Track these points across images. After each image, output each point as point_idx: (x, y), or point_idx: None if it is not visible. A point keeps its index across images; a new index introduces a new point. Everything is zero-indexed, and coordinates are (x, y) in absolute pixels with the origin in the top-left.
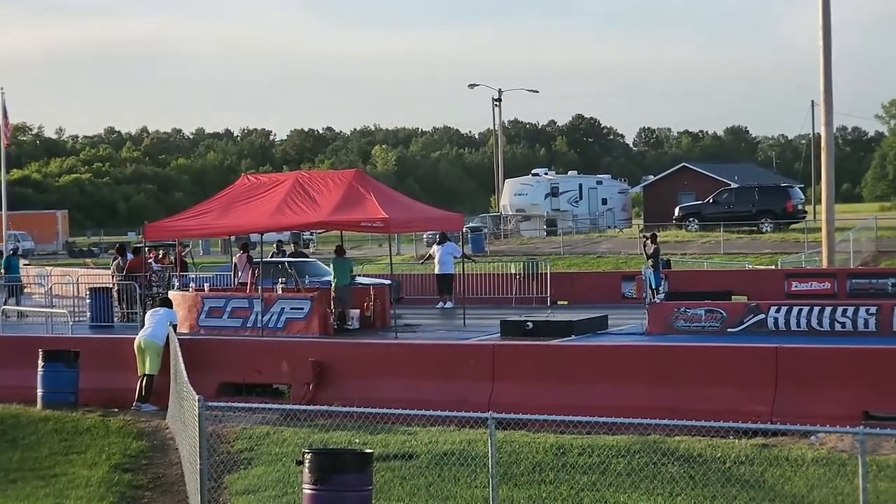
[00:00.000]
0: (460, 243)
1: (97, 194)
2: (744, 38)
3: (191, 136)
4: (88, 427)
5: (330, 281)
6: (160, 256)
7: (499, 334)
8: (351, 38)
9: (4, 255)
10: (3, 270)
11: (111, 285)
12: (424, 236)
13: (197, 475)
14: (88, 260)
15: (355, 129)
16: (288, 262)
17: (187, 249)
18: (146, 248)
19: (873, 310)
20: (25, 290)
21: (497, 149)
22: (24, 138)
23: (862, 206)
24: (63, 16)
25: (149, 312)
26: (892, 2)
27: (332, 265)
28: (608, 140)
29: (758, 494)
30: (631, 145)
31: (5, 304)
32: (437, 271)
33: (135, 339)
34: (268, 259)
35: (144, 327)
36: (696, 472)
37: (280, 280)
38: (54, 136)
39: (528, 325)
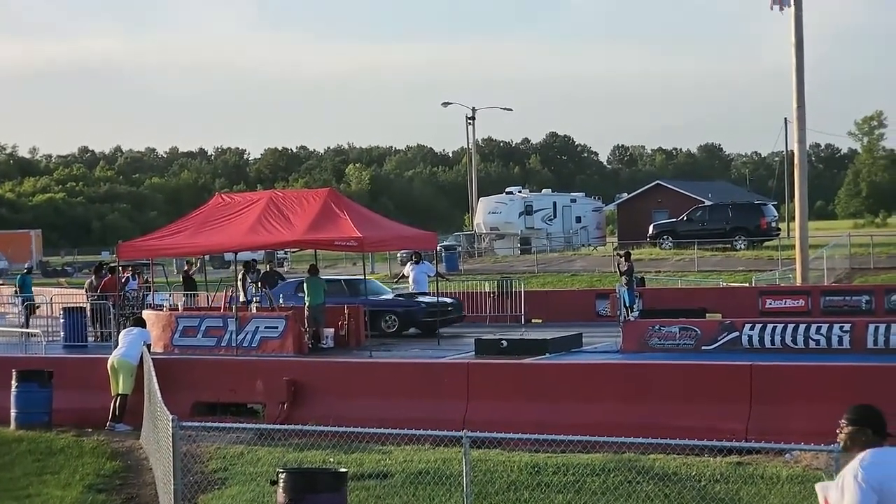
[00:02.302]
0: (434, 262)
1: (71, 213)
2: (717, 55)
3: (165, 155)
4: (62, 447)
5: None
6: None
7: (473, 353)
8: (324, 57)
9: (20, 274)
10: (18, 289)
11: (85, 305)
12: (399, 255)
13: (171, 495)
14: (62, 279)
15: (329, 148)
16: (345, 280)
17: (195, 268)
18: (120, 268)
19: (847, 327)
20: None
21: (471, 167)
22: None
23: (836, 223)
24: (34, 35)
25: (123, 332)
26: (865, 19)
27: (305, 284)
28: (582, 158)
29: None
30: (605, 163)
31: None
32: (411, 290)
33: (108, 358)
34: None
35: (118, 347)
36: (671, 491)
37: (255, 300)
38: (28, 156)
39: (502, 344)
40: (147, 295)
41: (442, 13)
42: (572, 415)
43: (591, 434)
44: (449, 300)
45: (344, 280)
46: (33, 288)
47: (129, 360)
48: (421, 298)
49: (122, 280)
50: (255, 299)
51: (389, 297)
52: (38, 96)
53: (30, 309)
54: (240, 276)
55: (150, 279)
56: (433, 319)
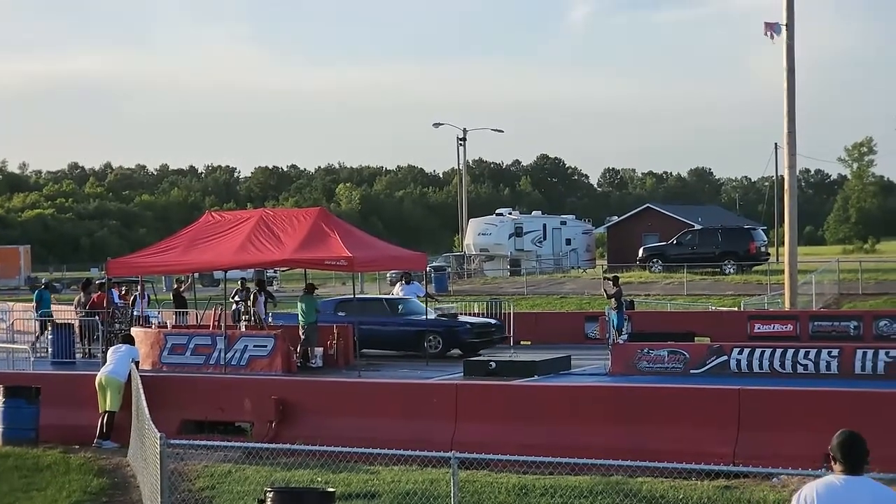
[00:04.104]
0: (424, 282)
1: (60, 229)
2: (708, 80)
3: (155, 173)
4: (49, 464)
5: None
6: (122, 293)
7: (462, 374)
8: (315, 76)
9: (37, 289)
10: (36, 304)
11: (73, 321)
12: (388, 275)
13: None
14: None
15: (319, 167)
16: (386, 299)
17: (185, 285)
18: (109, 284)
19: (835, 352)
20: None
21: (461, 188)
22: None
23: (824, 249)
24: (25, 52)
25: (111, 349)
26: (855, 47)
27: (299, 303)
28: (572, 180)
29: None
30: (595, 186)
31: (37, 339)
32: None
33: (96, 375)
34: (361, 296)
35: (106, 364)
36: None
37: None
38: (17, 171)
39: (491, 365)
40: (136, 312)
41: (434, 34)
42: (560, 437)
43: (580, 456)
44: (492, 321)
45: (385, 299)
46: (1, 306)
47: (117, 377)
48: (465, 318)
49: (131, 298)
50: (243, 318)
51: (432, 317)
52: (28, 112)
53: (44, 325)
54: (251, 295)
55: (135, 296)
56: (478, 340)
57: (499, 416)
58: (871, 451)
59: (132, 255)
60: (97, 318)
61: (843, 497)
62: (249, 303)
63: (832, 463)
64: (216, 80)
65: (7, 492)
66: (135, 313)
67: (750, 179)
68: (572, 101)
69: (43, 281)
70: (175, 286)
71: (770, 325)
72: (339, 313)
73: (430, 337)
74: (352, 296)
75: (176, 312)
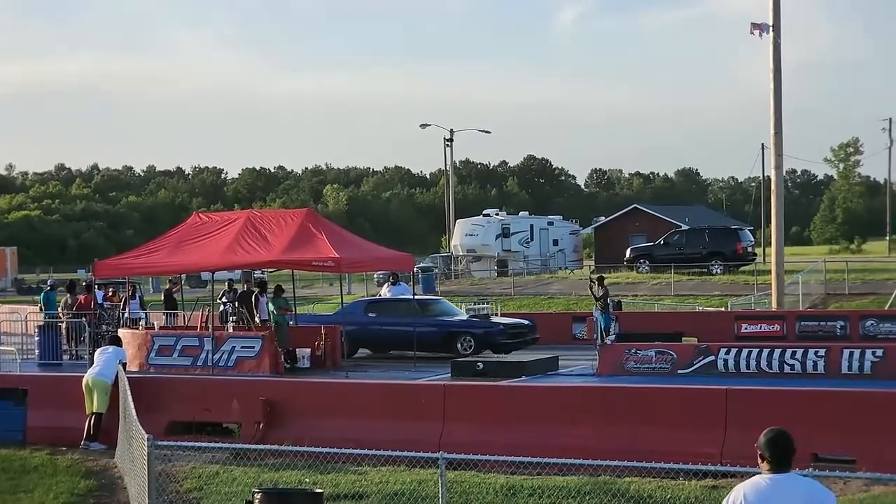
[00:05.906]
0: (411, 283)
1: (47, 231)
2: (695, 81)
3: (142, 174)
4: (36, 465)
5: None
6: (110, 294)
7: (449, 374)
8: (303, 78)
9: (43, 291)
10: (42, 306)
11: (60, 322)
12: (375, 276)
13: None
14: (37, 297)
15: (307, 169)
16: (418, 300)
17: (177, 286)
18: (96, 286)
19: (822, 352)
20: None
21: (448, 189)
22: None
23: (811, 249)
24: (12, 54)
25: (98, 350)
26: (842, 48)
27: (270, 304)
28: (559, 181)
29: None
30: (582, 186)
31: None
32: None
33: (83, 377)
34: (383, 297)
35: (93, 365)
36: None
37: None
38: (4, 173)
39: (478, 366)
40: (124, 313)
41: (422, 36)
42: (548, 437)
43: (567, 457)
44: (525, 321)
45: (417, 300)
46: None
47: (104, 378)
48: (497, 319)
49: (121, 299)
50: (231, 319)
51: (464, 317)
52: (15, 113)
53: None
54: (253, 296)
55: (125, 297)
56: (511, 341)
57: (487, 416)
58: (858, 451)
59: (119, 257)
60: (84, 319)
61: (769, 496)
62: (252, 303)
63: (760, 462)
64: (203, 82)
65: None
66: (126, 315)
67: (737, 180)
68: (559, 101)
69: (49, 283)
70: (167, 287)
71: (757, 325)
72: (370, 314)
73: (463, 338)
74: (382, 297)
75: (166, 313)
